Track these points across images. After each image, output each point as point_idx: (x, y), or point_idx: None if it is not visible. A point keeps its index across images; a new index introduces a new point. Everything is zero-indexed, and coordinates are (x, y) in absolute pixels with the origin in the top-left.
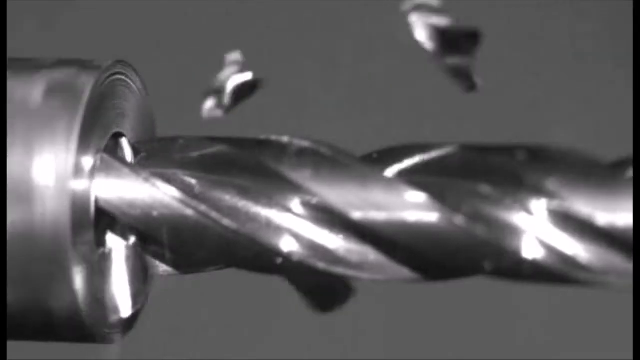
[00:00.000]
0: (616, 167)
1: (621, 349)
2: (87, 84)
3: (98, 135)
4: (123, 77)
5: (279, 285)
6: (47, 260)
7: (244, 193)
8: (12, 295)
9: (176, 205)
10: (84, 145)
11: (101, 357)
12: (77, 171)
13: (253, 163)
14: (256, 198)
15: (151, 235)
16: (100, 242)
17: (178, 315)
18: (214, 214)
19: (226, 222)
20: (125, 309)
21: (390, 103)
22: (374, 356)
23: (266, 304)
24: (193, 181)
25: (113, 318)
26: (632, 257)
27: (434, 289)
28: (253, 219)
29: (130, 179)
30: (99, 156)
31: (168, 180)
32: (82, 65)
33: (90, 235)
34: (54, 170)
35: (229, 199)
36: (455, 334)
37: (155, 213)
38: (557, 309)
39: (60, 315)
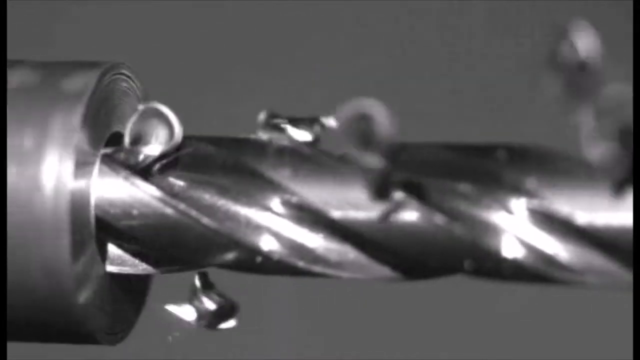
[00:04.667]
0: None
1: (616, 349)
2: (86, 85)
3: (97, 136)
4: (122, 78)
5: (267, 283)
6: (46, 261)
7: (224, 192)
8: (12, 295)
9: (156, 203)
10: (83, 146)
11: (102, 356)
12: (77, 172)
13: (233, 162)
14: (236, 197)
15: (131, 234)
16: (101, 243)
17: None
18: (194, 213)
19: (205, 220)
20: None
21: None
22: (366, 355)
23: (256, 303)
24: (173, 180)
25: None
26: (611, 256)
27: (415, 289)
28: (232, 217)
29: (110, 177)
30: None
31: (148, 178)
32: (82, 66)
33: (90, 236)
34: (54, 171)
35: (209, 197)
36: (440, 333)
37: (134, 212)
38: (550, 309)
39: (60, 315)
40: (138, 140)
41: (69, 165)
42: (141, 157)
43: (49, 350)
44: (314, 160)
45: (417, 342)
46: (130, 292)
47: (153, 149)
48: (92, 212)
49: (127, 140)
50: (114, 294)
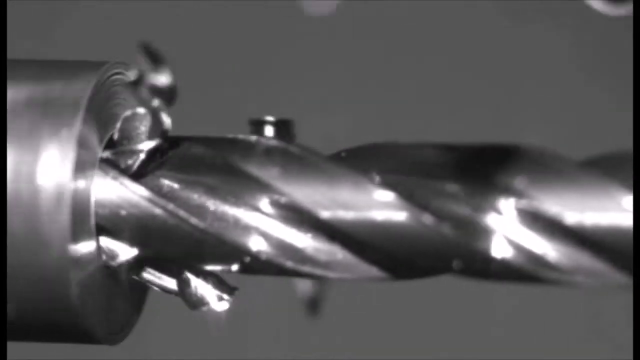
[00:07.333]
0: (584, 166)
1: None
2: (87, 84)
3: (98, 135)
4: (122, 77)
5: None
6: (47, 261)
7: (212, 192)
8: (11, 295)
9: (144, 204)
10: (83, 146)
11: (102, 356)
12: (77, 171)
13: (221, 162)
14: (224, 197)
15: (121, 234)
16: (100, 243)
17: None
18: (182, 213)
19: (194, 220)
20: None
21: (361, 102)
22: (363, 355)
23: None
24: (161, 180)
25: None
26: (600, 256)
27: (409, 288)
28: (221, 217)
29: (99, 177)
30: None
31: (137, 179)
32: (82, 65)
33: (91, 236)
34: (54, 171)
35: (197, 197)
36: (435, 332)
37: (123, 212)
38: (547, 308)
39: (60, 315)
40: (128, 139)
41: (69, 166)
42: (132, 157)
43: (49, 350)
44: (302, 159)
45: (412, 342)
46: (130, 291)
47: (145, 144)
48: (93, 214)
49: (116, 136)
50: (114, 294)
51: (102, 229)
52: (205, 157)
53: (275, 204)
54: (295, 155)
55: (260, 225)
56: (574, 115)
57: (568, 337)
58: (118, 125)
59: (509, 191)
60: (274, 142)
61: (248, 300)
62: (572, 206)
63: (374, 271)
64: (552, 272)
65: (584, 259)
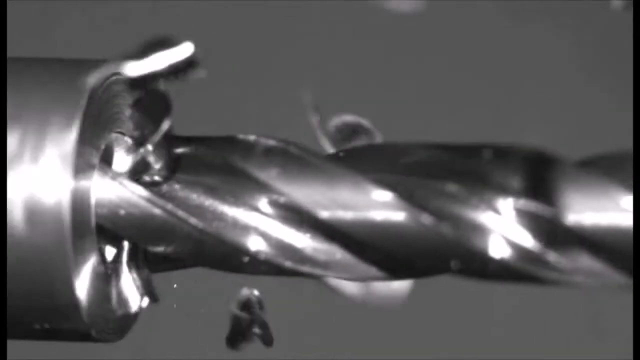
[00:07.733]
0: (584, 166)
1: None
2: (86, 84)
3: (98, 134)
4: (121, 79)
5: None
6: (47, 260)
7: (211, 192)
8: (12, 294)
9: (143, 204)
10: (83, 145)
11: (102, 356)
12: (77, 172)
13: (220, 162)
14: (223, 197)
15: (119, 234)
16: (101, 242)
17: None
18: (181, 213)
19: (193, 220)
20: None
21: (361, 102)
22: (362, 356)
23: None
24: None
25: (116, 314)
26: (599, 256)
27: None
28: (220, 217)
29: (98, 177)
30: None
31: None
32: (82, 64)
33: (91, 236)
34: (55, 171)
35: (196, 197)
36: (434, 333)
37: (122, 212)
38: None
39: (60, 313)
40: (147, 121)
41: (69, 167)
42: (138, 157)
43: (49, 350)
44: (301, 160)
45: (412, 342)
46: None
47: (162, 128)
48: (93, 214)
49: (134, 134)
50: (114, 292)
51: (102, 230)
52: (204, 157)
53: (274, 204)
54: (295, 155)
55: (260, 225)
56: (574, 115)
57: (568, 337)
58: (129, 120)
59: (507, 191)
60: (273, 142)
61: None
62: (572, 206)
63: (373, 271)
64: (550, 272)
65: (583, 259)
